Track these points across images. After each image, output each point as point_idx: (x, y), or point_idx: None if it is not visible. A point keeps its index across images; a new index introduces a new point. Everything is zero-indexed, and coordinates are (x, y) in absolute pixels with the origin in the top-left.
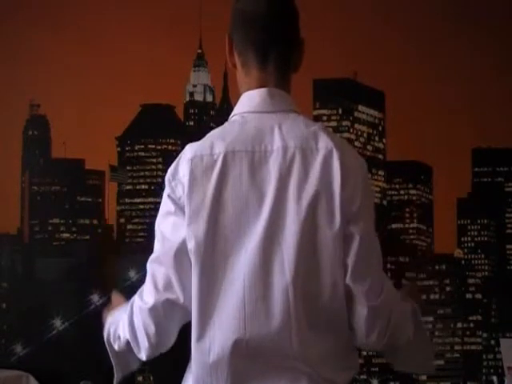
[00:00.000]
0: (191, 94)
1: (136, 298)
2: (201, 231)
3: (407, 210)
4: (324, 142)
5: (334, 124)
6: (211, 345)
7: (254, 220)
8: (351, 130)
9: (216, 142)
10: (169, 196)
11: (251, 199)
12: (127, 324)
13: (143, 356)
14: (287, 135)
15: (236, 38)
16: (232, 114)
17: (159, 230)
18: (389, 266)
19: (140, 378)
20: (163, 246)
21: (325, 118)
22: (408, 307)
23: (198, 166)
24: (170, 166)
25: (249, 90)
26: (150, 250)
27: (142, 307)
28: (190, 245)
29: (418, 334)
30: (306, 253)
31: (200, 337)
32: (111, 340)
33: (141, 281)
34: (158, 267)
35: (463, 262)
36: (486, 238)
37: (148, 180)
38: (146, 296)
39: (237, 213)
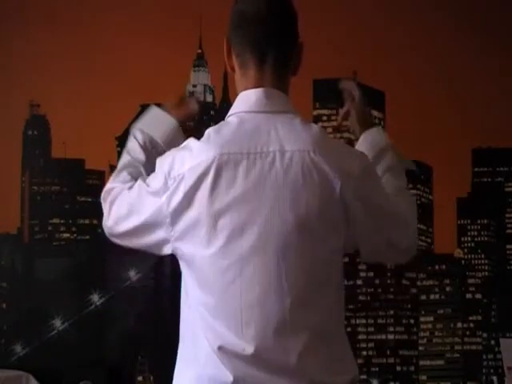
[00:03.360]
0: (191, 94)
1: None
2: (198, 234)
3: None
4: (322, 147)
5: (334, 124)
6: (212, 348)
7: (249, 224)
8: (351, 130)
9: (212, 143)
10: (162, 187)
11: (246, 203)
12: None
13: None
14: (284, 137)
15: (234, 39)
16: (228, 113)
17: (141, 199)
18: (389, 266)
19: (140, 378)
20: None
21: (325, 118)
22: (392, 184)
23: (194, 170)
24: None
25: (246, 90)
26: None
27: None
28: (189, 250)
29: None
30: (303, 262)
31: (205, 338)
32: (127, 143)
33: (141, 281)
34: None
35: (463, 262)
36: (486, 238)
37: None
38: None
39: (231, 217)
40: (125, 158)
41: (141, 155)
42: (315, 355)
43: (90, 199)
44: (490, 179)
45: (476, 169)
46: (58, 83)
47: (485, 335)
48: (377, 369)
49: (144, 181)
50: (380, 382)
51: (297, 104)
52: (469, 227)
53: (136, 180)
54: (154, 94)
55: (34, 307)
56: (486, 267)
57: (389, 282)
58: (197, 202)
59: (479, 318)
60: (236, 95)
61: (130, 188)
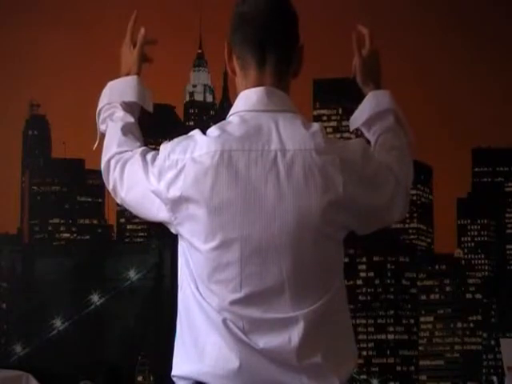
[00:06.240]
0: (191, 94)
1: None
2: (197, 227)
3: None
4: (324, 146)
5: (333, 124)
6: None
7: (250, 222)
8: (351, 130)
9: (214, 139)
10: (161, 175)
11: (247, 200)
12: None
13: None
14: (285, 136)
15: (235, 41)
16: (230, 113)
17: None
18: (389, 266)
19: (140, 378)
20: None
21: (325, 117)
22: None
23: (195, 162)
24: None
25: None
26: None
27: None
28: (188, 238)
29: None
30: (305, 260)
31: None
32: (101, 118)
33: (141, 281)
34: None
35: (463, 262)
36: (486, 238)
37: None
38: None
39: (231, 213)
40: (116, 126)
41: (130, 118)
42: (320, 355)
43: (90, 199)
44: (489, 179)
45: (476, 169)
46: (58, 83)
47: (485, 335)
48: (377, 369)
49: (149, 156)
50: (380, 382)
51: (297, 104)
52: (469, 227)
53: (140, 141)
54: (154, 94)
55: (33, 307)
56: (486, 267)
57: (389, 282)
58: (196, 196)
59: (479, 317)
60: (236, 96)
61: (137, 159)
